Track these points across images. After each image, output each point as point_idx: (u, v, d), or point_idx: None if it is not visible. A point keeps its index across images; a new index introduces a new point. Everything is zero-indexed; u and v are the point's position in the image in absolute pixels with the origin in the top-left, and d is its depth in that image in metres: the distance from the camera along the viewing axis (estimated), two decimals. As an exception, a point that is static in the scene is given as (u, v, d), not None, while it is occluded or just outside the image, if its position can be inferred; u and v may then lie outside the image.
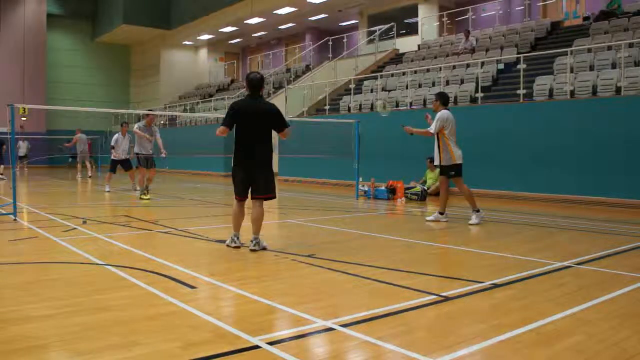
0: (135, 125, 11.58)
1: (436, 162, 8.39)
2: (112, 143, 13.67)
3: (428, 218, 8.45)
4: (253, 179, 5.73)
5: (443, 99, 8.30)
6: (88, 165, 19.43)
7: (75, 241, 6.22)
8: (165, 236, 6.88)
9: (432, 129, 8.09)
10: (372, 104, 16.38)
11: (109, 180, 13.66)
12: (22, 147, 20.58)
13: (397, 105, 15.63)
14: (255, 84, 5.75)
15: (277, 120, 5.80)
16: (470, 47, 17.24)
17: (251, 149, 5.69)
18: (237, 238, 5.84)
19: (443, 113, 8.07)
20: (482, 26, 20.20)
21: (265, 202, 5.90)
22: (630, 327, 3.35)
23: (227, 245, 5.85)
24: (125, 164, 13.77)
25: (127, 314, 3.53)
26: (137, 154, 11.58)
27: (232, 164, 5.81)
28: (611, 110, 10.66)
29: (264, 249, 5.75)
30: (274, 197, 5.89)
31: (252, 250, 5.65)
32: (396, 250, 6.11)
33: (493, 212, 9.55)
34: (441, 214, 8.33)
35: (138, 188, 12.48)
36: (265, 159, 5.76)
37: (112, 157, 13.69)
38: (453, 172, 8.15)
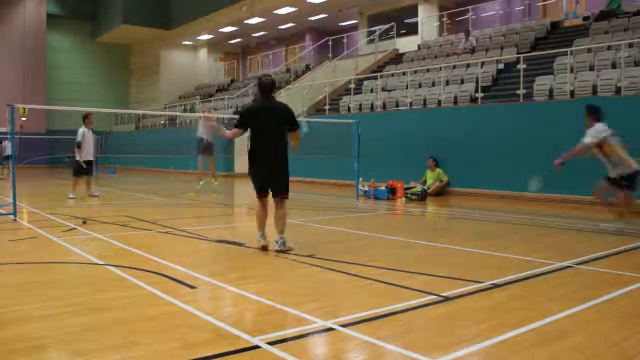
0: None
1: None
2: (79, 138, 11.25)
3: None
4: (270, 179, 5.77)
5: (596, 113, 7.27)
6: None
7: (75, 241, 6.22)
8: (165, 236, 6.88)
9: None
10: (371, 104, 16.39)
11: (74, 186, 11.41)
12: (8, 147, 19.83)
13: (397, 105, 15.64)
14: (265, 87, 5.80)
15: (290, 119, 5.80)
16: (470, 47, 17.23)
17: (266, 149, 5.72)
18: (263, 237, 5.74)
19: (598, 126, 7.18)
20: (482, 26, 20.19)
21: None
22: (630, 327, 3.35)
23: (258, 247, 5.73)
24: (90, 169, 11.46)
25: (127, 314, 3.53)
26: (203, 139, 12.60)
27: (248, 165, 5.84)
28: (611, 110, 10.60)
29: (289, 249, 5.65)
30: (287, 197, 5.84)
31: (277, 251, 5.56)
32: (396, 250, 6.11)
33: (493, 212, 9.55)
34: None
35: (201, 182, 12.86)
36: (280, 159, 5.76)
37: (78, 159, 11.29)
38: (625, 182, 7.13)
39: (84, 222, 7.73)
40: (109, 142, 31.00)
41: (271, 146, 5.72)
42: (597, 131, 7.13)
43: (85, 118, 11.48)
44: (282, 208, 5.78)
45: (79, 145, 11.25)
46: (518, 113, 12.20)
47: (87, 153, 11.33)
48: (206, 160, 13.06)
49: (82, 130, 11.36)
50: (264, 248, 5.68)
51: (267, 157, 5.73)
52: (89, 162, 11.39)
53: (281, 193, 5.78)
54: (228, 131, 6.02)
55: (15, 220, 7.86)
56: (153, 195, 12.37)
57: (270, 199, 5.86)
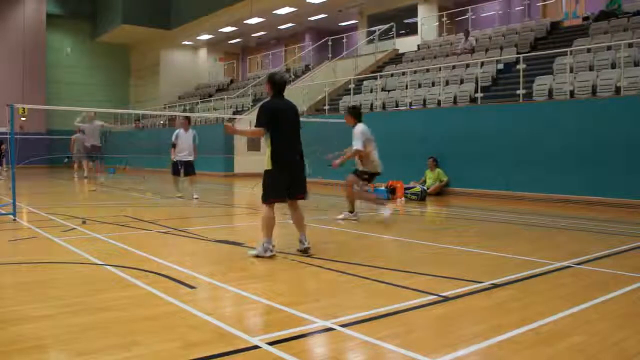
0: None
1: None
2: (173, 139, 11.42)
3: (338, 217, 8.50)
4: (294, 179, 5.59)
5: (356, 113, 8.19)
6: (84, 165, 19.11)
7: (75, 241, 6.22)
8: (165, 236, 6.88)
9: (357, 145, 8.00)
10: (371, 104, 16.38)
11: (175, 185, 11.72)
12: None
13: (396, 106, 15.64)
14: (282, 85, 5.67)
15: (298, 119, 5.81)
16: (469, 47, 17.23)
17: (292, 149, 5.59)
18: (272, 246, 5.46)
19: (359, 126, 8.08)
20: (482, 26, 20.20)
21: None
22: (630, 327, 3.35)
23: (257, 256, 5.33)
24: (188, 168, 11.58)
25: (127, 314, 3.53)
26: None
27: (270, 166, 5.46)
28: (611, 110, 10.66)
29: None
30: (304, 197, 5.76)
31: (306, 249, 5.49)
32: (396, 250, 6.12)
33: (493, 212, 9.55)
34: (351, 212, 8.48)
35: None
36: (302, 160, 5.70)
37: (175, 159, 11.47)
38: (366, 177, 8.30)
39: (84, 222, 7.73)
40: (109, 142, 30.99)
41: (295, 147, 5.62)
42: (362, 134, 7.96)
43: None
44: (300, 209, 5.70)
45: (173, 146, 11.42)
46: (518, 113, 12.20)
47: (180, 152, 11.37)
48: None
49: (177, 131, 11.48)
50: (272, 257, 5.44)
51: (292, 159, 5.58)
52: (182, 163, 11.47)
53: (302, 192, 5.66)
54: (248, 129, 5.74)
55: (15, 220, 7.86)
56: (153, 195, 12.35)
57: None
